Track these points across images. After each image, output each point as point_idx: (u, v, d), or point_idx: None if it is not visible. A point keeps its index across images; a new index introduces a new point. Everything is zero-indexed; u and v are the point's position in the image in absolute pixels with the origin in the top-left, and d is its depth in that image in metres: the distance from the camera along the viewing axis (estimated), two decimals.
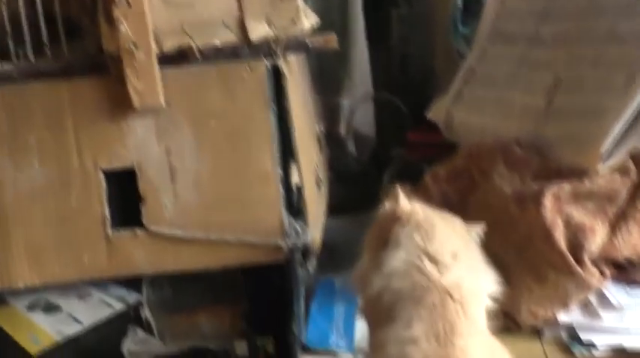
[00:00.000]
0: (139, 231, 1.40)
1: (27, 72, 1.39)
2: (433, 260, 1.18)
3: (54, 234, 1.41)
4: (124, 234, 1.40)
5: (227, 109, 1.38)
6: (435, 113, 1.87)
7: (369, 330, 1.27)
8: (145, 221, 1.39)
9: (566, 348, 1.42)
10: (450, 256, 1.20)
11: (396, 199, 1.29)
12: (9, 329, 1.52)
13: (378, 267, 1.21)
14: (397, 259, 1.19)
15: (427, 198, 1.44)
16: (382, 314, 1.18)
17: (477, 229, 1.27)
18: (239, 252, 1.40)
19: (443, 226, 1.25)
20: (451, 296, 1.15)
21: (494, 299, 1.23)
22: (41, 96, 1.40)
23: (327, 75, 2.01)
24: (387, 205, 1.31)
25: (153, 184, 1.39)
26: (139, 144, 1.39)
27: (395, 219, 1.26)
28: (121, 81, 1.36)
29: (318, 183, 1.64)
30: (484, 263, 1.25)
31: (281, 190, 1.39)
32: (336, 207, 1.79)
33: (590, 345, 1.40)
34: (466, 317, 1.14)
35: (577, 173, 1.47)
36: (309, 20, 1.47)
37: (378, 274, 1.20)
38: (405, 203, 1.28)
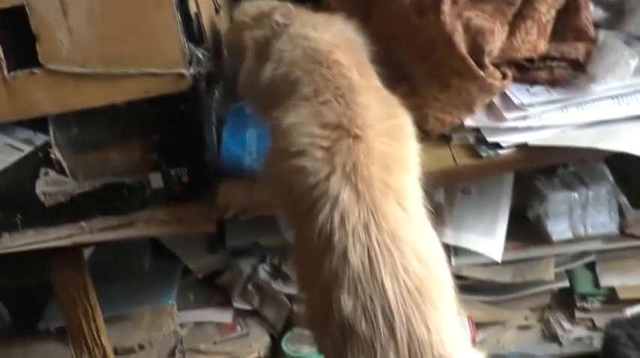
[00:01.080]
0: (36, 71, 1.36)
1: None
2: (313, 27, 1.28)
3: None
4: (22, 74, 1.37)
5: None
6: None
7: (268, 122, 1.29)
8: (41, 59, 1.35)
9: (473, 151, 1.46)
10: (326, 25, 1.30)
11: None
12: None
13: (265, 57, 1.27)
14: (282, 42, 1.26)
15: None
16: (284, 91, 1.24)
17: (351, 24, 1.33)
18: (142, 83, 1.38)
19: (317, 15, 1.36)
20: (338, 46, 1.24)
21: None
22: None
23: None
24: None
25: (45, 21, 1.34)
26: None
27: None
28: None
29: (217, 9, 1.62)
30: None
31: (178, 18, 1.36)
32: None
33: (496, 146, 1.45)
34: (360, 75, 1.21)
35: None
36: None
37: (268, 61, 1.28)
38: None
